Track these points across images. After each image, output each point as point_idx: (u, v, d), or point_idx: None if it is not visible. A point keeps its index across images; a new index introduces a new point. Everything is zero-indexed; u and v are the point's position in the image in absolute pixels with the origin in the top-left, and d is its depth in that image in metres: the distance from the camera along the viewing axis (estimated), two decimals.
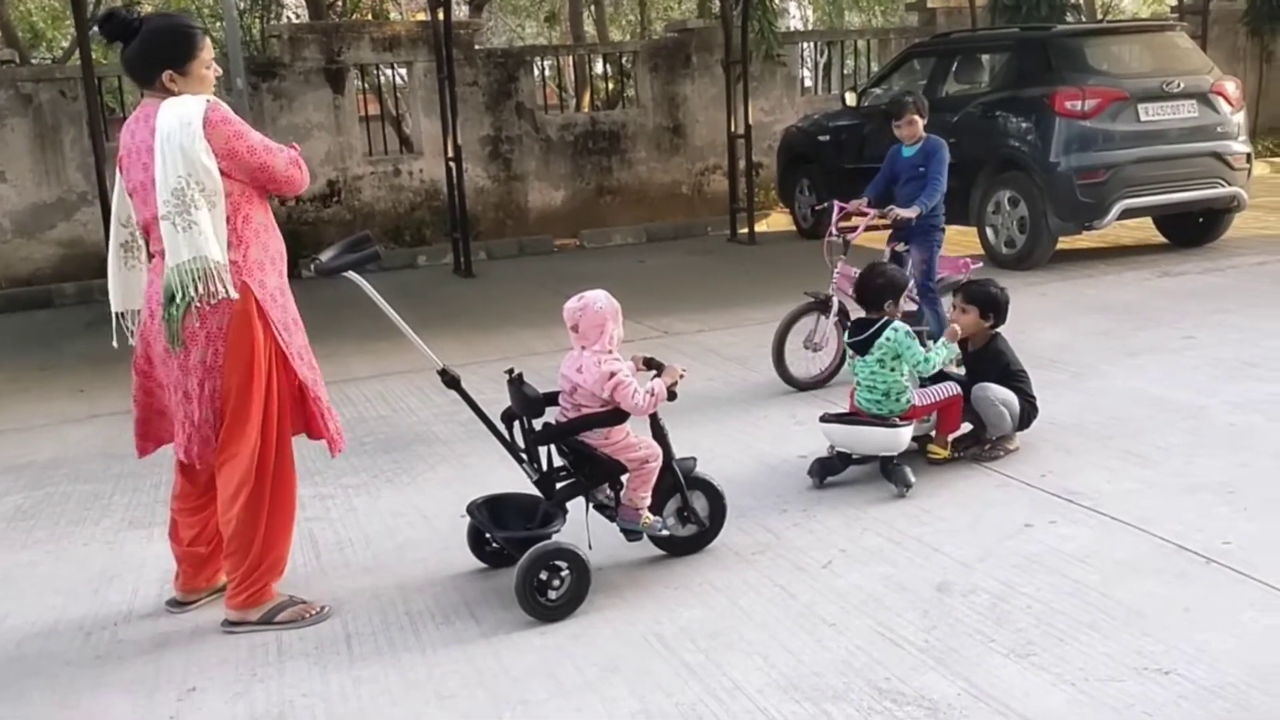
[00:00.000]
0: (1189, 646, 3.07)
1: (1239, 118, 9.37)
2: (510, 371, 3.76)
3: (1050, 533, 3.91)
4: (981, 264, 6.38)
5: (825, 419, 4.60)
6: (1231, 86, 9.37)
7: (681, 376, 3.75)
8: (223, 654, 3.45)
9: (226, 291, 3.31)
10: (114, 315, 3.71)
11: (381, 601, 3.74)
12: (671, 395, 3.72)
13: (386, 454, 5.37)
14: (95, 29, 3.53)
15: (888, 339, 4.45)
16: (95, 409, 6.55)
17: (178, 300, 3.29)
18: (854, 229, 6.11)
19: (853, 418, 4.55)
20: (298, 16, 20.48)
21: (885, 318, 4.55)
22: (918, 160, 6.06)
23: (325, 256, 3.62)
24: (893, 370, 4.45)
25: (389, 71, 14.41)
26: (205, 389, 3.42)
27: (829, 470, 4.52)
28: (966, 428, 4.83)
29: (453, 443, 5.41)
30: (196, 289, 3.27)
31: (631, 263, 11.37)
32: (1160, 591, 3.41)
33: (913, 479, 4.34)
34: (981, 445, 4.74)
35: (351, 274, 3.59)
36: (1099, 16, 16.67)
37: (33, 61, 18.74)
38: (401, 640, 3.46)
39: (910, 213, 5.85)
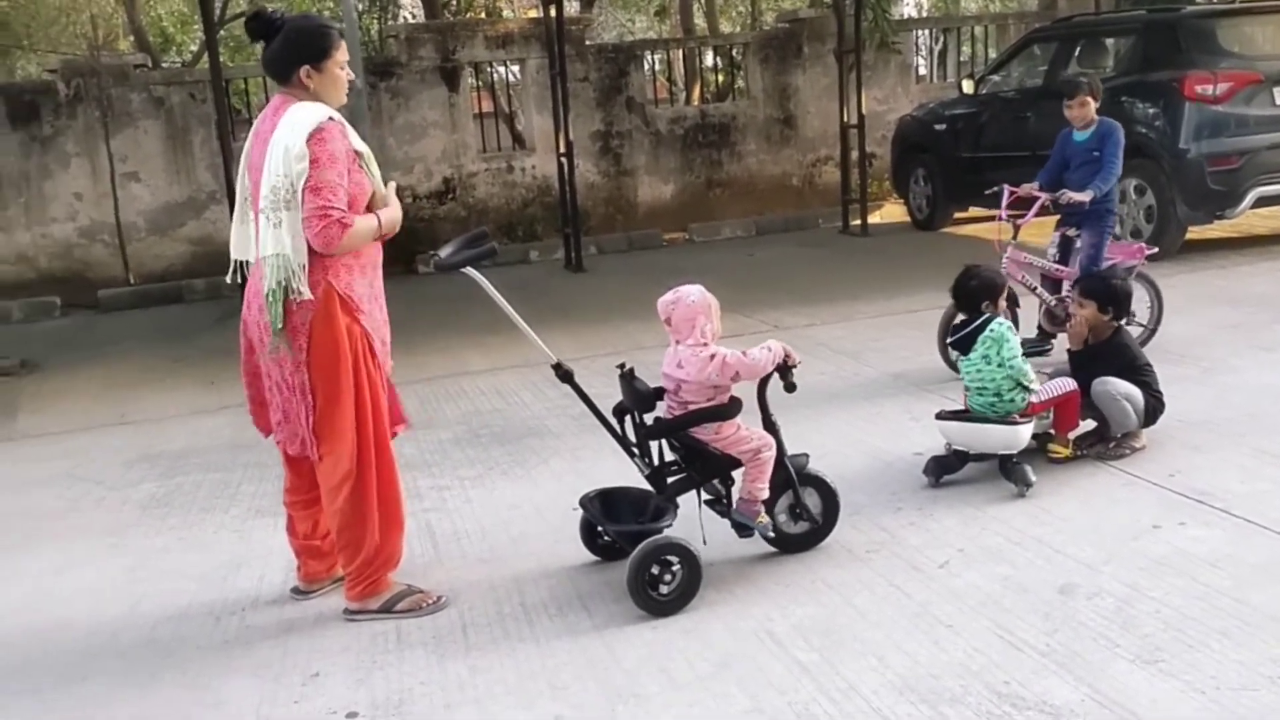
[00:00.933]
0: None
1: None
2: (621, 366, 3.78)
3: (1179, 534, 3.77)
4: (1156, 249, 6.20)
5: (941, 416, 4.51)
6: None
7: (799, 363, 3.71)
8: (345, 641, 3.54)
9: (301, 291, 3.40)
10: (232, 262, 3.83)
11: (497, 592, 3.80)
12: (790, 386, 3.69)
13: (501, 446, 5.45)
14: (245, 26, 3.64)
15: (991, 331, 4.35)
16: (225, 400, 6.79)
17: (268, 292, 3.41)
18: (1024, 214, 6.01)
19: (970, 415, 4.45)
20: (414, 16, 20.89)
21: (987, 315, 4.43)
22: (1091, 144, 5.97)
23: (444, 252, 3.70)
24: (999, 367, 4.32)
25: (502, 69, 14.60)
26: (295, 381, 3.51)
27: (945, 469, 4.43)
28: (1089, 425, 4.69)
29: (565, 436, 5.47)
30: (278, 283, 3.38)
31: (740, 256, 11.32)
32: None
33: (1033, 478, 4.23)
34: (1106, 443, 4.59)
35: (469, 269, 3.65)
36: None
37: (163, 65, 19.51)
38: (516, 631, 3.51)
39: (1084, 196, 5.78)
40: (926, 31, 16.40)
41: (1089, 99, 5.96)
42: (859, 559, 3.80)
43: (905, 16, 21.03)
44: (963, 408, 4.53)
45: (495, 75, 14.45)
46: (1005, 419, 4.32)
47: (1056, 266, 6.01)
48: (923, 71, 16.28)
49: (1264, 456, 4.40)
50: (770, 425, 3.78)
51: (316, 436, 3.55)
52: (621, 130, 13.43)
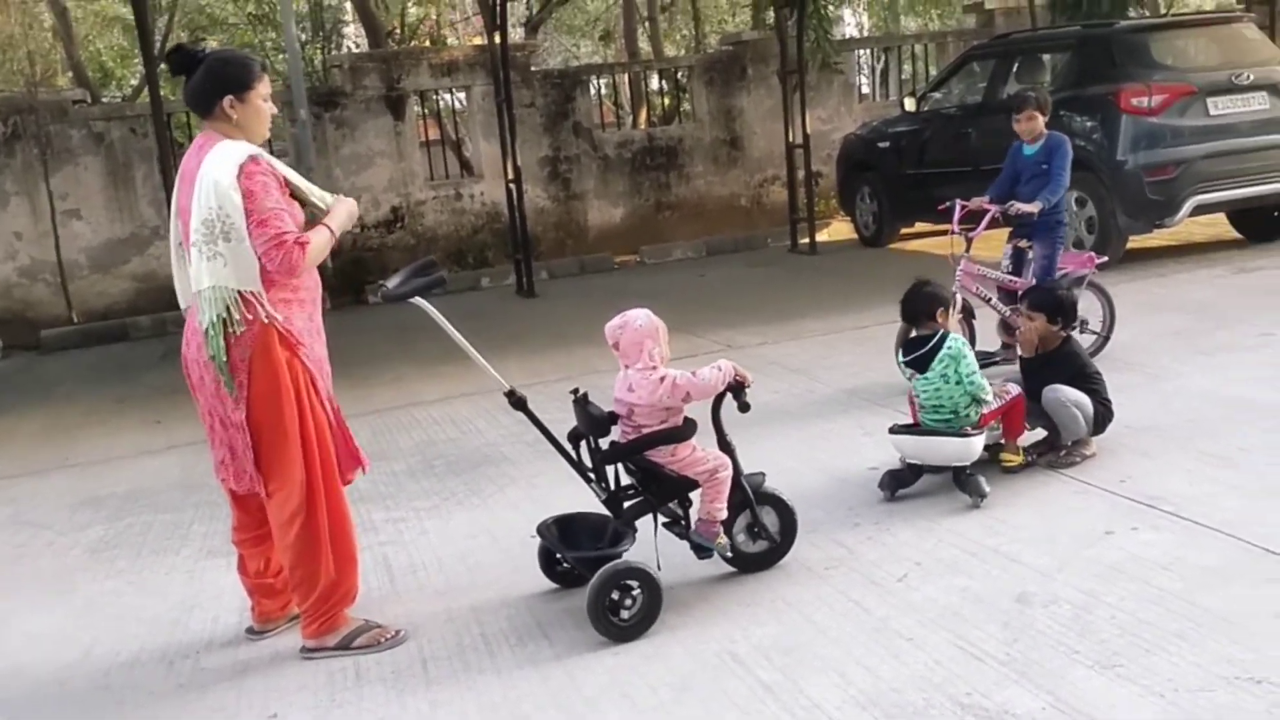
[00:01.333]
0: None
1: None
2: (575, 391, 3.77)
3: (1132, 539, 3.82)
4: (1106, 258, 6.30)
5: (895, 430, 4.54)
6: None
7: (751, 383, 3.72)
8: (302, 680, 3.48)
9: (251, 317, 3.38)
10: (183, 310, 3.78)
11: (456, 624, 3.76)
12: (744, 406, 3.70)
13: (456, 476, 5.41)
14: (165, 59, 3.63)
15: (948, 349, 4.36)
16: (172, 439, 6.69)
17: (206, 326, 3.39)
18: (975, 227, 6.11)
19: (923, 428, 4.47)
20: (358, 46, 20.82)
21: (941, 331, 4.47)
22: (1040, 158, 6.08)
23: (392, 283, 3.66)
24: (958, 384, 4.36)
25: (448, 96, 14.59)
26: (236, 418, 3.48)
27: (900, 483, 4.45)
28: (1040, 434, 4.74)
29: (520, 464, 5.44)
30: (217, 316, 3.37)
31: (692, 277, 11.37)
32: (1249, 597, 3.31)
33: (987, 489, 4.27)
34: (1057, 451, 4.64)
35: (418, 299, 3.62)
36: (1162, 11, 16.35)
37: (103, 100, 19.27)
38: (477, 663, 3.47)
39: (1032, 207, 5.89)
40: (868, 51, 16.62)
41: (1036, 113, 6.06)
42: (818, 576, 3.81)
43: (846, 37, 21.29)
44: (913, 421, 4.56)
45: (441, 103, 14.44)
46: (958, 431, 4.35)
47: (1010, 278, 6.10)
48: (865, 90, 16.49)
49: (1209, 459, 4.48)
50: (726, 445, 3.78)
51: (264, 473, 3.51)
52: (569, 155, 13.46)
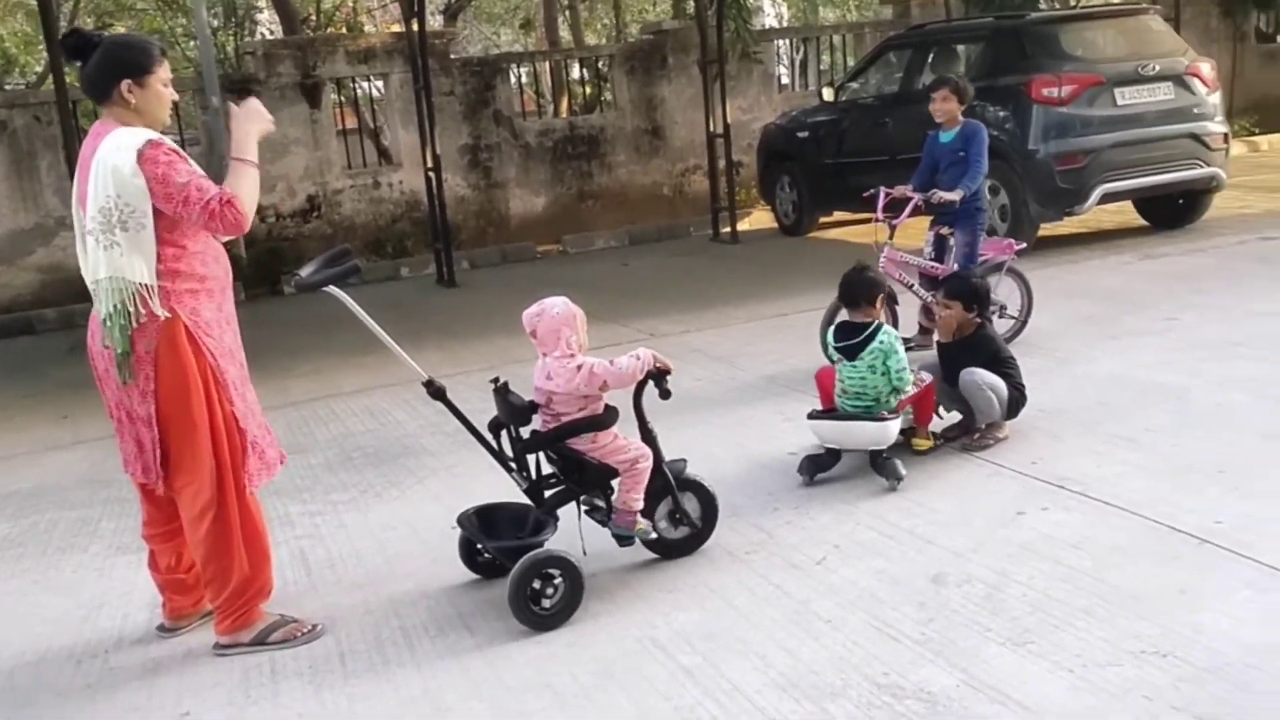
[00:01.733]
0: (1186, 628, 3.06)
1: (1215, 98, 9.40)
2: (495, 380, 3.74)
3: (1042, 519, 3.91)
4: (1025, 244, 6.40)
5: (813, 415, 4.58)
6: (1206, 68, 9.40)
7: (670, 370, 3.72)
8: (216, 676, 3.41)
9: (149, 311, 3.30)
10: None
11: (375, 617, 3.71)
12: (665, 393, 3.70)
13: (375, 468, 5.34)
14: (61, 43, 3.50)
15: (880, 343, 4.41)
16: (80, 435, 6.51)
17: (104, 317, 3.31)
18: (899, 214, 6.19)
19: (840, 413, 4.53)
20: (272, 33, 20.42)
21: (876, 323, 4.52)
22: (957, 145, 6.18)
23: (305, 272, 3.60)
24: (883, 375, 4.41)
25: (365, 84, 14.38)
26: (143, 412, 3.40)
27: (819, 467, 4.50)
28: (955, 417, 4.83)
29: (441, 454, 5.39)
30: (115, 307, 3.28)
31: (615, 266, 11.36)
32: (1154, 574, 3.41)
33: (903, 471, 4.33)
34: (971, 435, 4.73)
35: (332, 288, 3.56)
36: (1072, 3, 16.72)
37: (6, 88, 18.65)
38: (396, 655, 3.43)
39: (954, 195, 5.98)
40: (787, 41, 16.75)
41: (951, 95, 6.17)
42: (739, 560, 3.83)
43: (766, 27, 21.45)
44: (823, 406, 4.61)
45: (358, 91, 14.22)
46: (875, 416, 4.41)
47: (932, 264, 6.20)
48: (785, 80, 16.61)
49: (1116, 441, 4.60)
50: (647, 434, 3.79)
51: (172, 468, 3.43)
52: (490, 143, 13.35)
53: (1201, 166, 9.15)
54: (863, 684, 2.97)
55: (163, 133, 3.45)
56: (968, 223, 6.13)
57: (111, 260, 3.28)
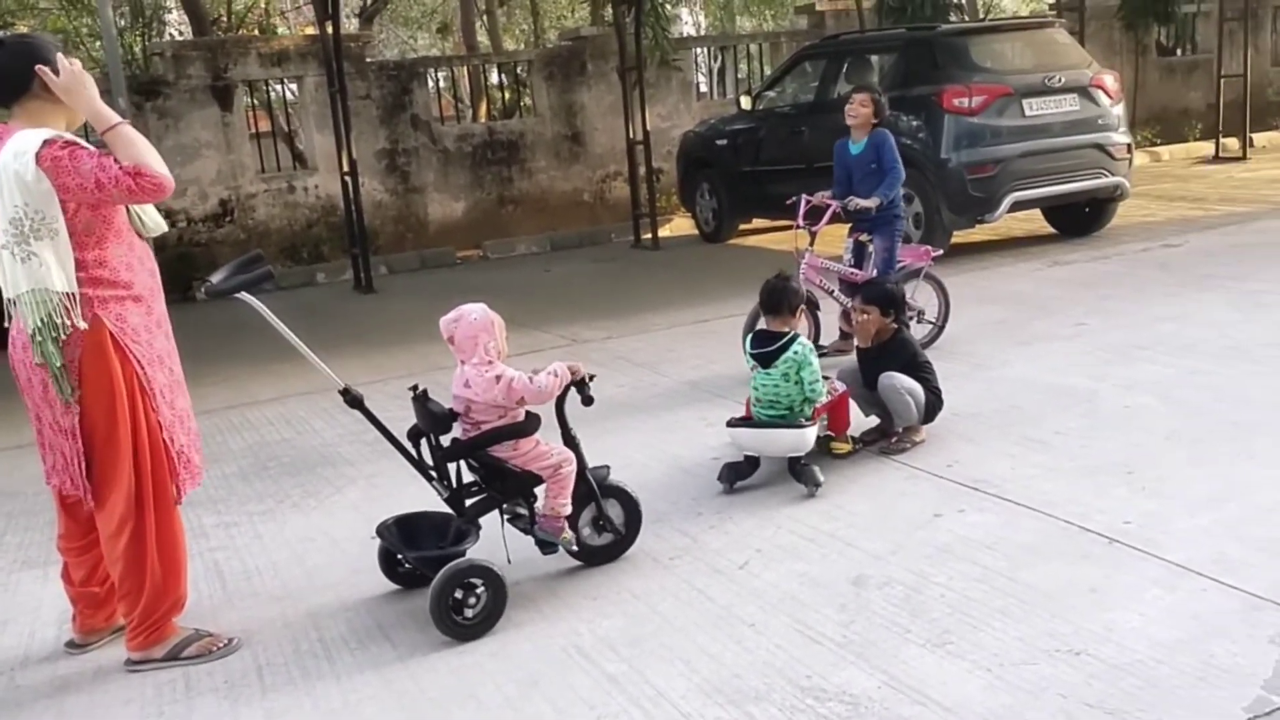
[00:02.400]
0: (1097, 626, 3.14)
1: (1119, 110, 9.68)
2: (414, 388, 3.70)
3: (959, 521, 3.98)
4: (942, 251, 6.48)
5: (732, 423, 4.61)
6: (1110, 80, 9.69)
7: (591, 378, 3.73)
8: (128, 694, 3.32)
9: (73, 322, 3.20)
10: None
11: (293, 630, 3.64)
12: (587, 400, 3.70)
13: (292, 478, 5.24)
14: None
15: (794, 353, 4.45)
16: None
17: (32, 331, 3.20)
18: (818, 221, 6.25)
19: (759, 420, 4.55)
20: (181, 34, 19.97)
21: (792, 333, 4.57)
22: (869, 156, 6.28)
23: (216, 278, 3.52)
24: (796, 384, 4.45)
25: (279, 87, 14.13)
26: (65, 423, 3.31)
27: (738, 475, 4.53)
28: (873, 421, 4.90)
29: (360, 463, 5.31)
30: (42, 320, 3.18)
31: (536, 272, 11.32)
32: (1066, 573, 3.49)
33: (821, 478, 4.37)
34: (888, 439, 4.81)
35: (244, 295, 3.49)
36: (981, 15, 17.11)
37: None
38: (315, 669, 3.37)
39: (870, 202, 6.08)
40: (705, 50, 16.86)
41: (870, 101, 6.28)
42: (663, 566, 3.84)
43: (684, 35, 21.57)
44: (747, 415, 4.63)
45: (272, 94, 13.97)
46: (792, 423, 4.45)
47: (852, 270, 6.29)
48: (703, 89, 16.74)
49: (1028, 443, 4.71)
50: (570, 440, 3.78)
51: (93, 481, 3.33)
52: (408, 148, 13.22)
53: (1106, 176, 9.42)
54: (786, 687, 2.99)
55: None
56: (885, 229, 6.24)
57: (31, 272, 3.17)
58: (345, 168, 10.79)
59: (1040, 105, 9.23)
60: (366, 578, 3.92)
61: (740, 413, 4.70)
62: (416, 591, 3.72)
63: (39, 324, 3.18)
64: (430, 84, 14.00)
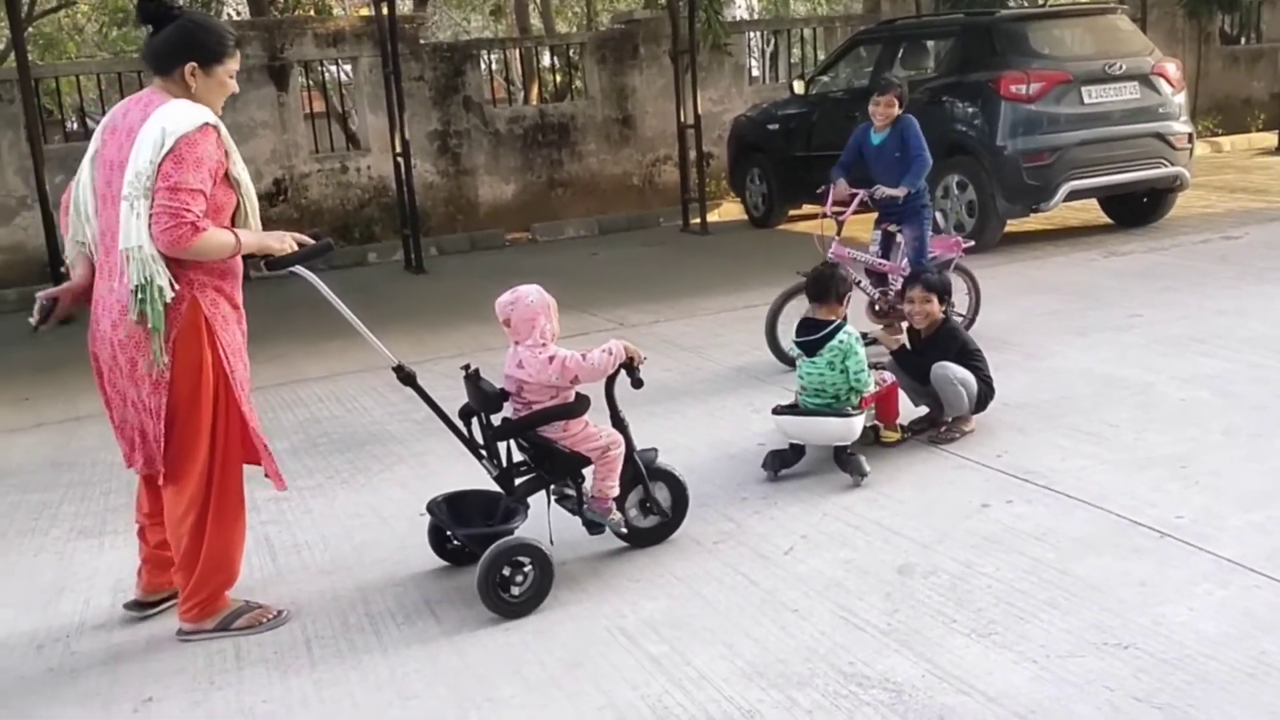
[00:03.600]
0: (1147, 620, 3.11)
1: (1180, 98, 9.50)
2: (466, 367, 3.73)
3: (1007, 512, 3.95)
4: (973, 242, 6.38)
5: (778, 411, 4.58)
6: (1172, 68, 9.50)
7: (643, 360, 3.75)
8: (180, 663, 3.39)
9: (164, 290, 3.22)
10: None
11: (341, 604, 3.69)
12: (637, 383, 3.72)
13: (341, 454, 5.31)
14: (136, 5, 3.47)
15: (840, 341, 4.41)
16: (41, 417, 6.42)
17: (134, 287, 3.21)
18: (845, 209, 6.18)
19: (805, 409, 4.52)
20: (239, 13, 20.18)
21: (838, 320, 4.54)
22: (893, 145, 6.14)
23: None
24: (842, 373, 4.41)
25: (334, 68, 14.25)
26: (151, 403, 3.34)
27: (783, 462, 4.51)
28: (923, 410, 4.87)
29: (408, 441, 5.36)
30: (144, 279, 3.20)
31: (584, 255, 11.34)
32: (1116, 567, 3.46)
33: (867, 468, 4.34)
34: (937, 428, 4.77)
35: (300, 269, 3.53)
36: (1040, 1, 16.85)
37: None
38: (363, 642, 3.42)
39: (898, 191, 5.97)
40: (758, 34, 16.76)
41: (895, 99, 6.13)
42: (707, 550, 3.85)
43: (737, 19, 21.45)
44: (794, 403, 4.61)
45: (327, 75, 14.09)
46: (839, 411, 4.42)
47: (880, 261, 6.22)
48: (755, 73, 16.63)
49: (1080, 435, 4.65)
50: (618, 422, 3.79)
51: (170, 460, 3.39)
52: (459, 130, 13.28)
53: (1166, 165, 9.25)
54: (829, 673, 2.99)
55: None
56: (914, 219, 6.12)
57: (140, 230, 3.20)
58: (398, 149, 10.86)
59: (1100, 93, 9.08)
60: (414, 554, 3.97)
61: (788, 400, 4.69)
62: (463, 569, 3.75)
63: (142, 282, 3.20)
64: (482, 66, 14.04)
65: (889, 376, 4.72)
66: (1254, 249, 8.38)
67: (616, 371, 3.72)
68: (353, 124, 14.68)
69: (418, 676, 3.18)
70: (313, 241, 3.59)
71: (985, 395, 4.78)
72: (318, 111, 14.00)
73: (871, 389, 4.51)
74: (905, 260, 6.11)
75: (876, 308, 6.19)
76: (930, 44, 10.41)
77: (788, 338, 5.74)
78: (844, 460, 4.39)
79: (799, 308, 5.80)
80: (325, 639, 3.46)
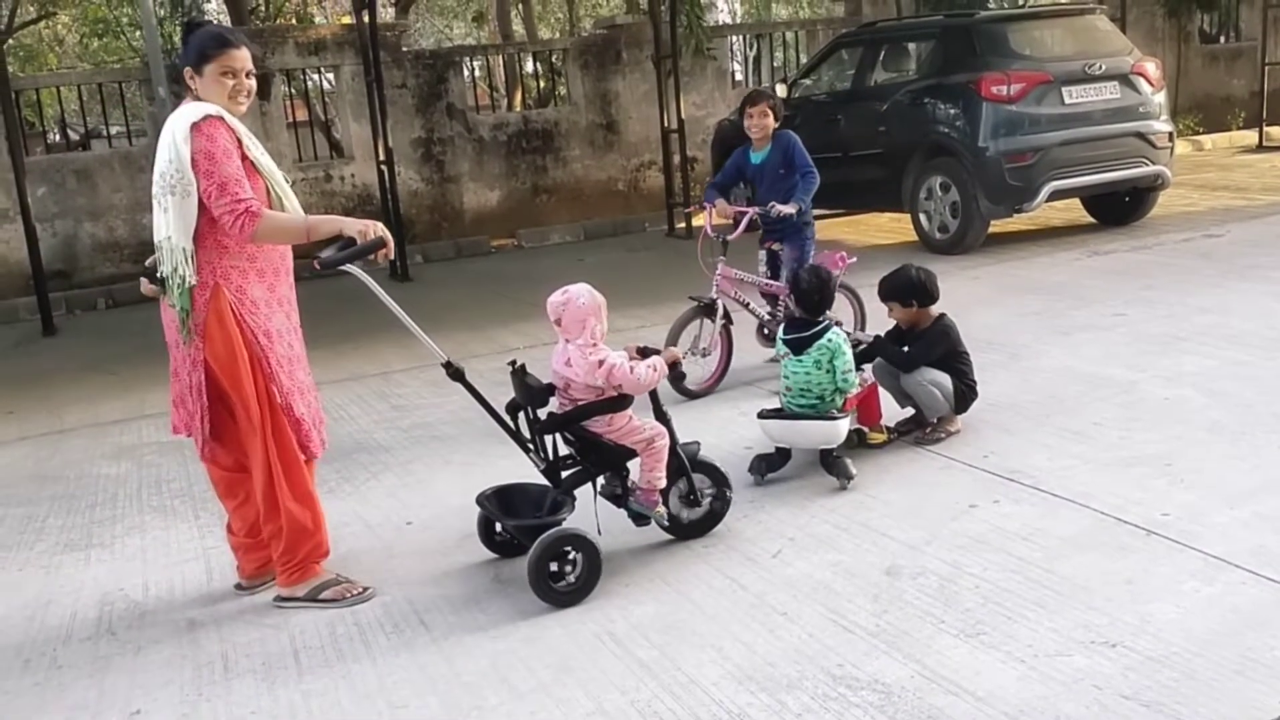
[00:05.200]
0: (1133, 618, 3.12)
1: (1160, 98, 9.55)
2: (513, 363, 3.80)
3: (994, 512, 3.96)
4: (856, 259, 6.23)
5: (763, 415, 4.58)
6: (1151, 67, 9.55)
7: (684, 358, 3.80)
8: (167, 675, 3.37)
9: (187, 278, 3.50)
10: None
11: (329, 613, 3.68)
12: (679, 376, 3.78)
13: (328, 463, 5.25)
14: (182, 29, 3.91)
15: (828, 340, 4.42)
16: (25, 430, 6.38)
17: (166, 275, 3.53)
18: (732, 229, 6.00)
19: (790, 412, 4.52)
20: (219, 22, 20.12)
21: (827, 321, 4.54)
22: (777, 162, 5.98)
23: (326, 253, 3.64)
24: (828, 373, 4.42)
25: (315, 76, 14.22)
26: (193, 380, 3.61)
27: (770, 466, 4.51)
28: (909, 411, 4.88)
29: (395, 450, 5.35)
30: (174, 268, 3.50)
31: (570, 261, 11.34)
32: (1103, 565, 3.47)
33: (854, 470, 4.34)
34: (924, 429, 4.78)
35: (351, 267, 3.62)
36: (1020, 2, 16.93)
37: None
38: (351, 651, 3.41)
39: (791, 208, 5.77)
40: (740, 37, 16.79)
41: (769, 109, 5.96)
42: (696, 554, 3.85)
43: (719, 23, 21.49)
44: (779, 406, 4.61)
45: (309, 83, 14.06)
46: (824, 415, 4.42)
47: (768, 281, 6.06)
48: (739, 77, 16.66)
49: (1065, 434, 4.67)
50: (662, 415, 3.86)
51: (239, 434, 3.66)
52: (443, 137, 13.27)
53: (1147, 164, 9.30)
54: (818, 676, 2.99)
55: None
56: (795, 237, 5.94)
57: (167, 222, 3.51)
58: (381, 157, 10.85)
59: (1080, 93, 9.12)
60: (401, 563, 3.97)
61: (773, 404, 4.69)
62: (451, 578, 3.75)
63: (171, 270, 3.52)
64: (465, 73, 14.04)
65: (869, 377, 4.72)
66: (1236, 247, 8.43)
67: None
68: (336, 132, 14.65)
69: (406, 685, 3.17)
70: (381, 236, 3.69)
71: (965, 396, 4.77)
72: (300, 120, 13.96)
73: (856, 389, 4.52)
74: (787, 281, 5.82)
75: (765, 331, 6.07)
76: (911, 46, 10.43)
77: (686, 364, 5.40)
78: (830, 463, 4.39)
79: (693, 334, 5.67)
80: (313, 649, 3.45)
